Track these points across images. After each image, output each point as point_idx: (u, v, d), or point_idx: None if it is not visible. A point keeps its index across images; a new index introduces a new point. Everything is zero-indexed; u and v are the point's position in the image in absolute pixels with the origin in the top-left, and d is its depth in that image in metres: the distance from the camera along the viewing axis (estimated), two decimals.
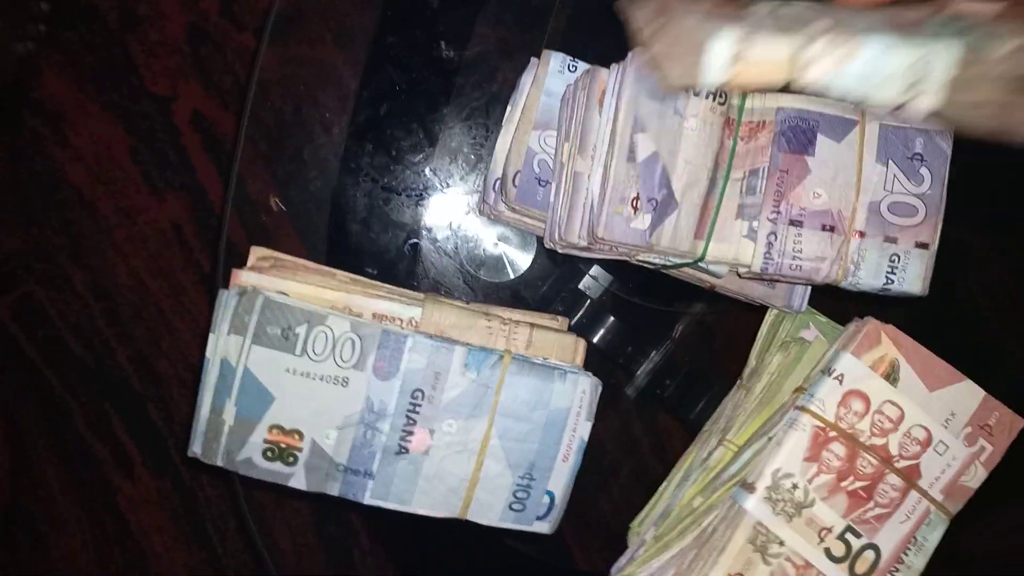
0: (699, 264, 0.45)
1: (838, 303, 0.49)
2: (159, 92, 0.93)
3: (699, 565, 0.42)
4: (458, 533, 0.55)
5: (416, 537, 0.58)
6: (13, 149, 0.92)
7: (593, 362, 0.47)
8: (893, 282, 0.42)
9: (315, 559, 0.83)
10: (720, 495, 0.45)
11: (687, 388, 0.55)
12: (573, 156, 0.43)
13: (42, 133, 0.92)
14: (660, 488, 0.51)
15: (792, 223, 0.42)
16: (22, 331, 0.93)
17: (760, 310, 0.50)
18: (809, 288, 0.48)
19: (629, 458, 0.58)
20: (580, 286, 0.55)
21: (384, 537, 0.65)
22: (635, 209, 0.40)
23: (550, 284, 0.54)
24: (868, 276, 0.42)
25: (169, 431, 0.94)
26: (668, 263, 0.45)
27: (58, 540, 0.94)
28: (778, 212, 0.42)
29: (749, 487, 0.43)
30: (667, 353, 0.56)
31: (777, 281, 0.46)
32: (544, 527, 0.49)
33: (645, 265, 0.49)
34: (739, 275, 0.45)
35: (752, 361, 0.50)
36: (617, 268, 0.53)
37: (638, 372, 0.55)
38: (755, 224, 0.42)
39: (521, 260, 0.54)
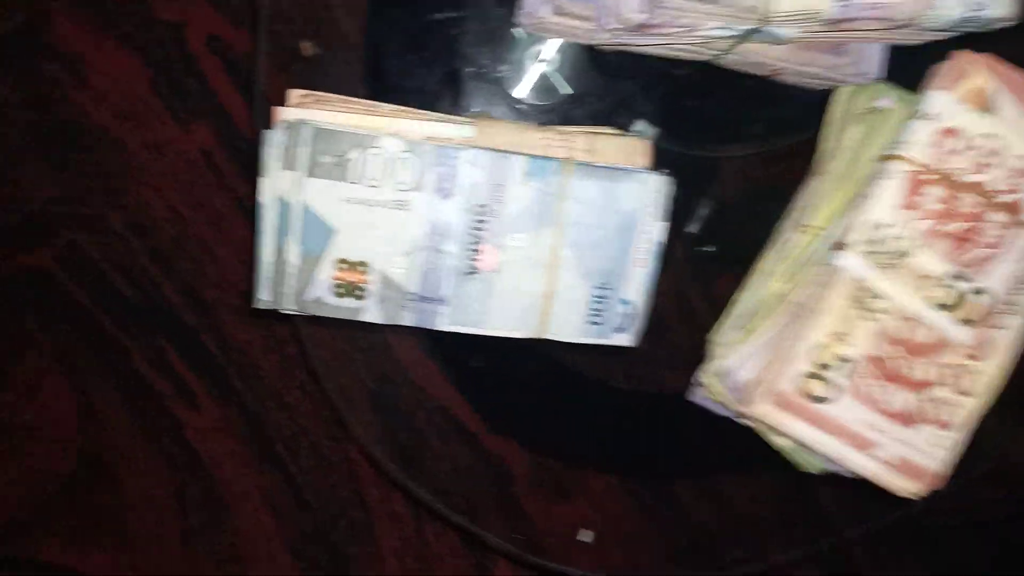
0: (767, 30, 0.42)
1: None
2: (170, 18, 0.91)
3: (795, 332, 0.40)
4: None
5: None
6: (34, 97, 0.91)
7: None
8: (983, 6, 0.39)
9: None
10: (809, 274, 0.43)
11: (741, 223, 0.53)
12: None
13: (60, 78, 0.91)
14: (733, 295, 0.49)
15: None
16: (70, 278, 0.93)
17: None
18: (886, 51, 0.45)
19: (684, 316, 0.55)
20: None
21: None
22: None
23: (606, 101, 0.52)
24: (953, 2, 0.39)
25: (227, 359, 0.95)
26: (735, 33, 0.42)
27: (134, 479, 0.95)
28: None
29: (841, 245, 0.40)
30: (720, 197, 0.53)
31: (848, 38, 0.43)
32: (624, 339, 0.47)
33: (701, 55, 0.46)
34: (810, 33, 0.42)
35: (824, 143, 0.47)
36: (666, 113, 0.51)
37: (691, 223, 0.53)
38: None
39: (571, 75, 0.51)
